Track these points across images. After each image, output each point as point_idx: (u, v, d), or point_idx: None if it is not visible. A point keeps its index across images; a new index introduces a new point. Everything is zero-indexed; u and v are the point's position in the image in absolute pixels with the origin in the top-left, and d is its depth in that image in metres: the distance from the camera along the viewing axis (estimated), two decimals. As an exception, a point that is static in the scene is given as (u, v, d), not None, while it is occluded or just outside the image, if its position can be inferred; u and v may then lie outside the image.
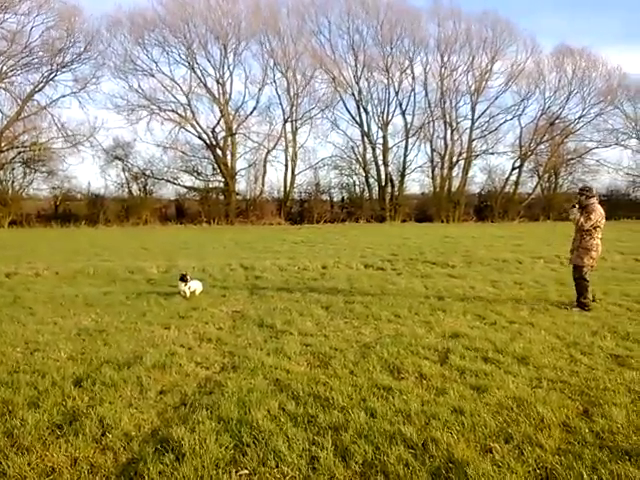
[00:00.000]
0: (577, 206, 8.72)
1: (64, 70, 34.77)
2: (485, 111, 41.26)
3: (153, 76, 36.90)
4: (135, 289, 10.40)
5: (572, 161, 43.20)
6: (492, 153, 42.45)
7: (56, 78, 34.92)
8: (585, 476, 3.35)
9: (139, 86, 36.81)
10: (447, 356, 5.80)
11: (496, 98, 41.12)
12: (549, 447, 3.72)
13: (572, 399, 4.59)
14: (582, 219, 8.50)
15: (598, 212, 8.54)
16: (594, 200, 8.64)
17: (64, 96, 35.19)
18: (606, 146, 42.87)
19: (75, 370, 5.38)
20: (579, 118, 41.78)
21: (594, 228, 8.52)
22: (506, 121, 41.80)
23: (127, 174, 38.81)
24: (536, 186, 43.38)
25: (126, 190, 38.97)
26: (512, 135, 44.11)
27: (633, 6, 59.72)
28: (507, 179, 42.56)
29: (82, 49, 34.41)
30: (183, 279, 9.38)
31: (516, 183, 42.67)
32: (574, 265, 8.74)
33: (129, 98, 36.66)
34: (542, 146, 42.06)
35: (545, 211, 40.67)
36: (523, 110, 41.70)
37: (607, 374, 5.21)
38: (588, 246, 8.56)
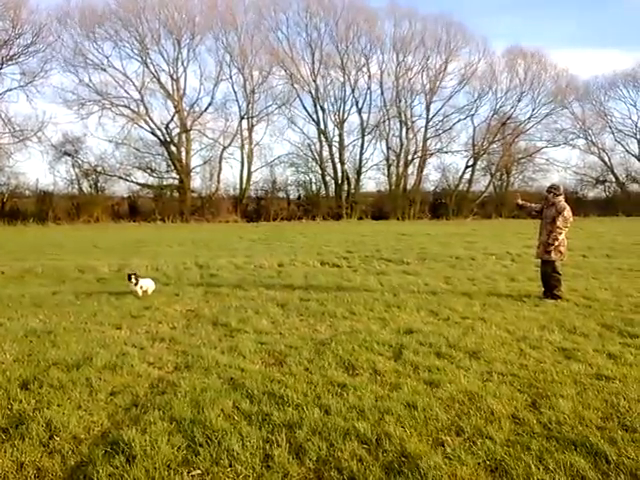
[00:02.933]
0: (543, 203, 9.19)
1: (10, 63, 33.68)
2: (439, 110, 42.17)
3: (105, 70, 36.19)
4: (85, 289, 10.14)
5: (523, 160, 44.53)
6: (446, 152, 43.40)
7: (2, 71, 33.84)
8: (533, 466, 3.44)
9: (90, 80, 36.05)
10: (401, 352, 5.86)
11: (450, 98, 42.06)
12: (499, 439, 3.80)
13: (521, 392, 4.70)
14: (561, 219, 8.78)
15: (569, 209, 8.93)
16: (562, 198, 9.01)
17: (11, 89, 34.13)
18: (555, 145, 44.50)
19: (22, 372, 5.20)
20: (529, 118, 43.08)
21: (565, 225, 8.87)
22: (460, 120, 42.84)
23: (77, 170, 37.93)
24: (488, 184, 44.47)
25: (76, 187, 38.07)
26: (465, 134, 45.10)
27: (581, 11, 61.77)
28: (461, 177, 43.52)
29: (29, 41, 33.39)
30: (130, 278, 9.16)
31: (469, 181, 43.66)
32: (544, 260, 9.02)
33: (79, 92, 35.88)
34: (494, 145, 43.17)
35: (497, 209, 41.66)
36: (476, 110, 42.79)
37: (555, 367, 5.35)
38: (556, 243, 8.87)
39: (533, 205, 9.79)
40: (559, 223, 8.79)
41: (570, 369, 5.27)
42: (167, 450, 3.64)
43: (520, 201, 9.95)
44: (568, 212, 8.86)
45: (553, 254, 8.89)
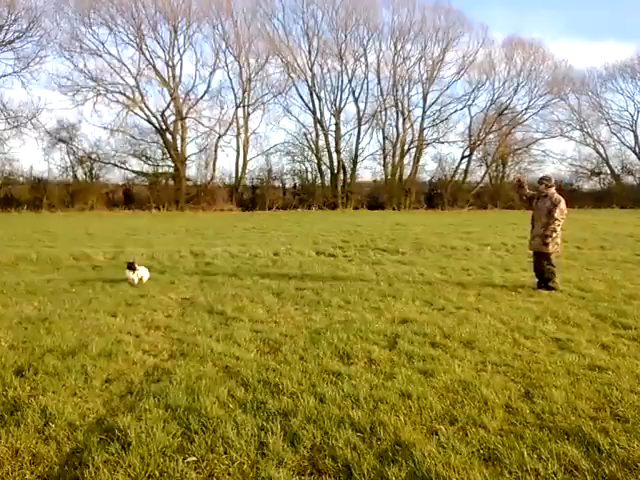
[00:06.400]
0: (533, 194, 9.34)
1: (5, 49, 33.28)
2: (436, 100, 42.03)
3: (100, 56, 35.84)
4: (80, 276, 10.11)
5: (519, 151, 44.56)
6: (443, 142, 43.33)
7: (-4, 56, 33.41)
8: (526, 455, 3.46)
9: (85, 66, 35.65)
10: (396, 341, 5.88)
11: (447, 87, 41.98)
12: (492, 428, 3.83)
13: (515, 381, 4.73)
14: (557, 211, 8.82)
15: (563, 200, 8.96)
16: (554, 189, 9.05)
17: (5, 75, 33.77)
18: (551, 137, 44.51)
19: (16, 359, 5.19)
20: (526, 109, 42.98)
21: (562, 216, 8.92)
22: (457, 110, 42.77)
23: (72, 157, 37.64)
24: (484, 175, 44.49)
25: (71, 174, 37.80)
26: (462, 124, 45.10)
27: (578, 2, 61.53)
28: (457, 168, 43.52)
29: (24, 27, 32.99)
30: (131, 267, 9.13)
31: (465, 172, 43.65)
32: (540, 252, 9.02)
33: (74, 78, 35.48)
34: (491, 136, 43.15)
35: (493, 199, 41.71)
36: (473, 100, 42.70)
37: (548, 357, 5.39)
38: (553, 234, 8.91)
39: (528, 191, 9.81)
40: (557, 215, 8.81)
41: (563, 359, 5.30)
42: (162, 437, 3.65)
43: (523, 181, 9.92)
44: (563, 204, 8.89)
45: (550, 246, 8.92)
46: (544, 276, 8.97)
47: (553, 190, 9.04)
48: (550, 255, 8.97)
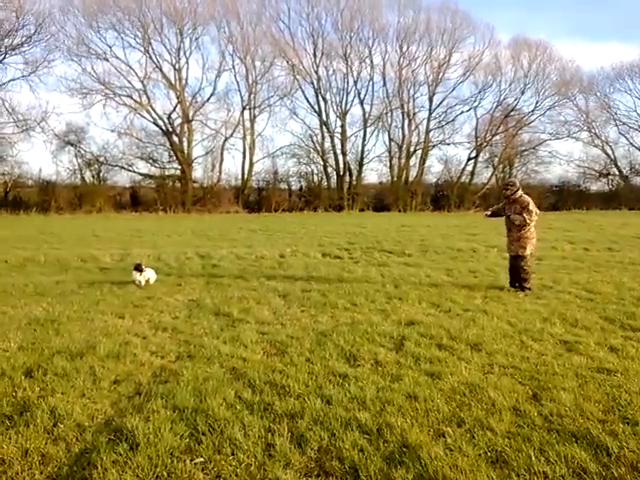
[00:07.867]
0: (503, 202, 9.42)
1: (14, 53, 33.50)
2: (442, 102, 41.93)
3: (107, 60, 36.03)
4: (88, 278, 10.16)
5: (526, 152, 44.33)
6: (449, 143, 43.21)
7: (5, 61, 33.69)
8: (533, 458, 3.45)
9: (93, 69, 35.86)
10: (402, 343, 5.87)
11: (453, 89, 41.88)
12: (499, 430, 3.82)
13: (522, 384, 4.72)
14: (527, 216, 8.88)
15: (532, 201, 9.05)
16: (521, 191, 9.17)
17: (14, 79, 33.97)
18: (558, 138, 44.20)
19: (26, 360, 5.23)
20: (533, 110, 42.81)
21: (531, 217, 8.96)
22: (463, 112, 42.67)
23: (80, 160, 37.91)
24: (491, 176, 44.34)
25: (79, 177, 38.07)
26: (468, 126, 45.02)
27: (584, 2, 61.35)
28: (463, 169, 43.41)
29: (33, 31, 33.19)
30: (138, 269, 9.17)
31: (472, 173, 43.54)
32: (517, 255, 9.06)
33: (82, 82, 35.76)
34: (497, 137, 42.99)
35: (500, 201, 41.46)
36: (479, 102, 42.52)
37: (556, 359, 5.36)
38: (529, 235, 9.02)
39: (498, 206, 9.77)
40: (526, 216, 8.86)
41: (571, 362, 5.28)
42: (170, 438, 3.67)
43: (489, 213, 9.97)
44: (532, 204, 8.96)
45: (529, 248, 9.01)
46: (519, 276, 9.01)
47: (520, 192, 9.14)
48: (527, 257, 9.01)
